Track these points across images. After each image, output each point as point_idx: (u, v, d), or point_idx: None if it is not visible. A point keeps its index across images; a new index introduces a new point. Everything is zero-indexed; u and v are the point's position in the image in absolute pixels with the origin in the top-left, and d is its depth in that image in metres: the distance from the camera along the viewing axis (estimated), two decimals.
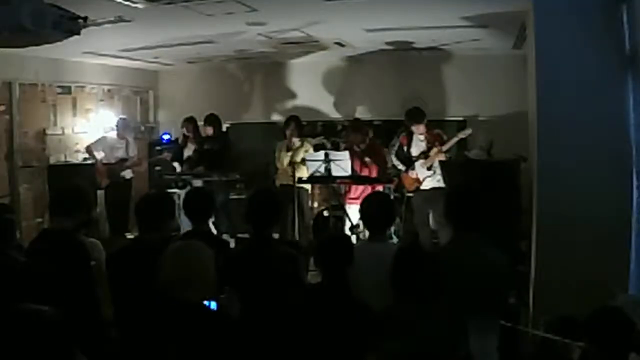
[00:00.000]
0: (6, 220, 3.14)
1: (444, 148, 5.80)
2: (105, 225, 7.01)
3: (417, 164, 5.93)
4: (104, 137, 7.15)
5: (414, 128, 5.93)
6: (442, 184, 5.84)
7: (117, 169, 7.02)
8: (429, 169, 5.87)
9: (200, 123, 7.25)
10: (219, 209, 6.87)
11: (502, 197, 4.66)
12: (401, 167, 6.05)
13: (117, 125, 7.21)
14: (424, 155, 5.89)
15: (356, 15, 4.99)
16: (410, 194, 6.09)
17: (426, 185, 5.91)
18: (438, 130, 6.01)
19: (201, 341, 2.25)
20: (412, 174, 5.95)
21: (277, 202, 3.13)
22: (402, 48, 6.79)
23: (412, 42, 6.47)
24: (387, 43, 6.51)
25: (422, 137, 5.93)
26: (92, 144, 7.04)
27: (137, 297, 2.65)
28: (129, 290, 2.86)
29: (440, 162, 5.82)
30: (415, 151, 5.98)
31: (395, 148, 6.11)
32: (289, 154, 6.40)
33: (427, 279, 2.40)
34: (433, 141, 5.87)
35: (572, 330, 3.01)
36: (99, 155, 6.97)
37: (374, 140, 6.53)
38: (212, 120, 7.03)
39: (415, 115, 5.91)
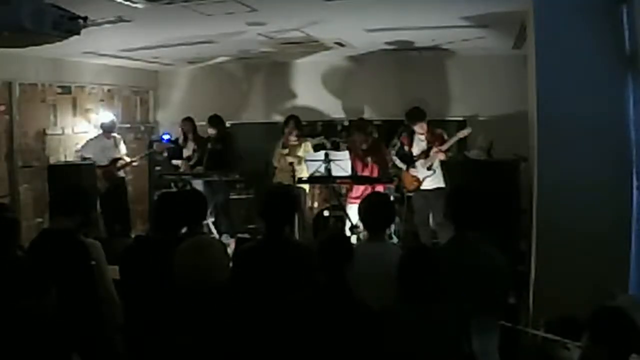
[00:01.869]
0: (10, 220, 3.15)
1: (443, 148, 5.80)
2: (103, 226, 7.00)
3: (418, 163, 5.93)
4: (91, 140, 7.08)
5: (415, 127, 5.93)
6: (442, 184, 5.85)
7: (112, 169, 7.02)
8: (429, 168, 5.88)
9: (202, 123, 7.26)
10: (219, 209, 6.89)
11: (502, 197, 4.66)
12: (402, 165, 6.06)
13: (102, 126, 7.14)
14: (425, 154, 5.90)
15: (356, 15, 4.99)
16: (410, 194, 6.09)
17: (426, 185, 5.91)
18: (440, 130, 6.01)
19: (217, 331, 2.30)
20: (413, 172, 5.96)
21: (292, 199, 3.14)
22: (403, 48, 6.79)
23: (412, 42, 6.47)
24: (388, 43, 6.51)
25: (422, 137, 5.94)
26: (80, 149, 7.00)
27: (153, 294, 2.68)
28: (144, 289, 2.87)
29: (441, 161, 5.82)
30: (416, 151, 5.99)
31: (397, 148, 6.13)
32: (285, 151, 6.40)
33: (432, 280, 2.40)
34: (434, 141, 5.87)
35: (572, 330, 3.01)
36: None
37: (378, 140, 6.54)
38: (215, 121, 7.03)
39: (416, 114, 5.92)
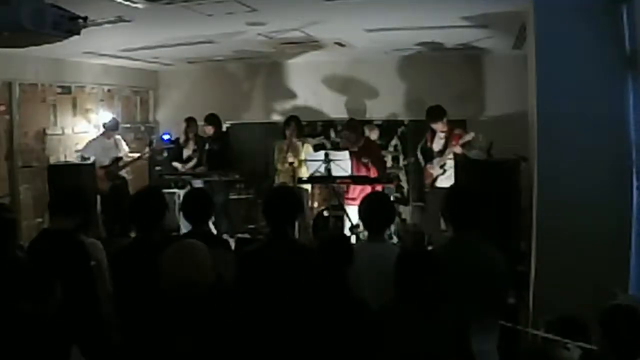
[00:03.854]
0: (8, 220, 3.14)
1: (457, 150, 5.82)
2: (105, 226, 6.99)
3: (435, 160, 6.03)
4: (91, 142, 7.06)
5: (433, 126, 6.01)
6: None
7: (114, 169, 7.02)
8: (441, 167, 5.96)
9: (201, 123, 7.26)
10: (219, 209, 6.89)
11: (502, 197, 4.65)
12: (422, 161, 6.19)
13: (104, 125, 7.13)
14: (441, 153, 5.97)
15: (356, 15, 4.99)
16: (426, 189, 6.14)
17: (439, 183, 5.98)
18: (459, 131, 6.02)
19: (208, 335, 2.29)
20: (429, 169, 6.07)
21: (296, 200, 3.13)
22: (402, 48, 6.79)
23: (412, 42, 6.46)
24: (387, 43, 6.51)
25: (442, 135, 6.01)
26: (82, 150, 6.99)
27: (140, 295, 2.66)
28: (132, 290, 2.86)
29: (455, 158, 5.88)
30: (436, 147, 6.08)
31: (421, 144, 6.26)
32: (289, 154, 6.40)
33: (428, 281, 2.40)
34: (451, 140, 5.92)
35: (572, 330, 3.01)
36: (92, 159, 6.93)
37: (373, 141, 6.53)
38: (212, 119, 7.03)
39: (432, 113, 5.99)
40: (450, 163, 5.90)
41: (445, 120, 5.95)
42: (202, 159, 7.03)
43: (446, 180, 5.92)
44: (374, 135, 7.02)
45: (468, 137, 5.85)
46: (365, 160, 5.97)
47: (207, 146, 7.01)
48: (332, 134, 7.84)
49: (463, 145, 5.77)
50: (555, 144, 3.92)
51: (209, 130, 7.02)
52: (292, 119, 6.61)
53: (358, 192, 5.85)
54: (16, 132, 6.43)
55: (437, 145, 6.05)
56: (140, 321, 2.56)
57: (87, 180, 6.45)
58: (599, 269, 3.66)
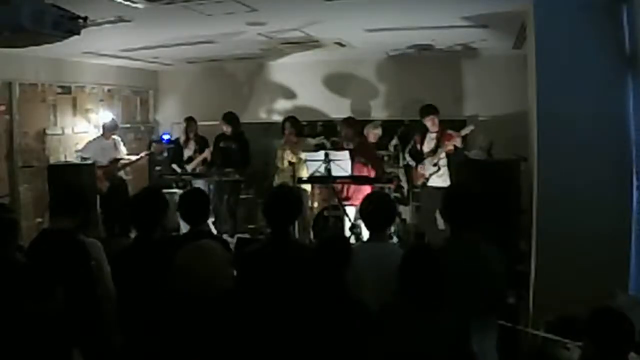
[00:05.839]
0: (9, 221, 3.14)
1: (450, 146, 5.86)
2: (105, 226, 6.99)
3: (426, 160, 6.08)
4: (90, 142, 7.06)
5: (427, 122, 6.07)
6: (448, 182, 5.90)
7: (112, 169, 7.02)
8: (434, 165, 6.01)
9: (203, 123, 7.25)
10: (229, 209, 6.90)
11: (502, 197, 4.66)
12: (412, 162, 6.26)
13: (103, 126, 7.13)
14: (433, 152, 6.03)
15: (356, 15, 4.99)
16: (417, 189, 6.15)
17: (432, 182, 6.02)
18: (451, 131, 6.06)
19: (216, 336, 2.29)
20: (420, 169, 6.12)
21: (297, 199, 3.12)
22: (402, 48, 6.79)
23: (411, 42, 6.46)
24: (387, 43, 6.50)
25: (433, 136, 6.07)
26: (80, 151, 6.98)
27: (143, 295, 2.66)
28: (134, 290, 2.86)
29: (448, 160, 5.88)
30: (426, 148, 6.14)
31: (410, 146, 6.34)
32: (288, 152, 6.41)
33: (433, 279, 2.40)
34: (443, 140, 5.97)
35: (572, 330, 3.01)
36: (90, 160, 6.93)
37: (369, 142, 6.54)
38: (231, 118, 7.00)
39: (427, 109, 6.08)
40: (443, 162, 5.95)
41: (437, 117, 6.03)
42: (216, 157, 6.99)
43: (439, 179, 5.99)
44: (377, 132, 6.96)
45: (467, 129, 5.90)
46: (361, 160, 5.98)
47: (221, 144, 6.98)
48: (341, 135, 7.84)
49: (464, 138, 5.82)
50: (555, 144, 3.92)
51: (227, 129, 6.99)
52: (287, 119, 6.66)
53: (351, 192, 5.87)
54: (16, 132, 6.43)
55: (428, 145, 6.12)
56: (144, 321, 2.55)
57: (87, 180, 6.45)
58: (599, 269, 3.66)
